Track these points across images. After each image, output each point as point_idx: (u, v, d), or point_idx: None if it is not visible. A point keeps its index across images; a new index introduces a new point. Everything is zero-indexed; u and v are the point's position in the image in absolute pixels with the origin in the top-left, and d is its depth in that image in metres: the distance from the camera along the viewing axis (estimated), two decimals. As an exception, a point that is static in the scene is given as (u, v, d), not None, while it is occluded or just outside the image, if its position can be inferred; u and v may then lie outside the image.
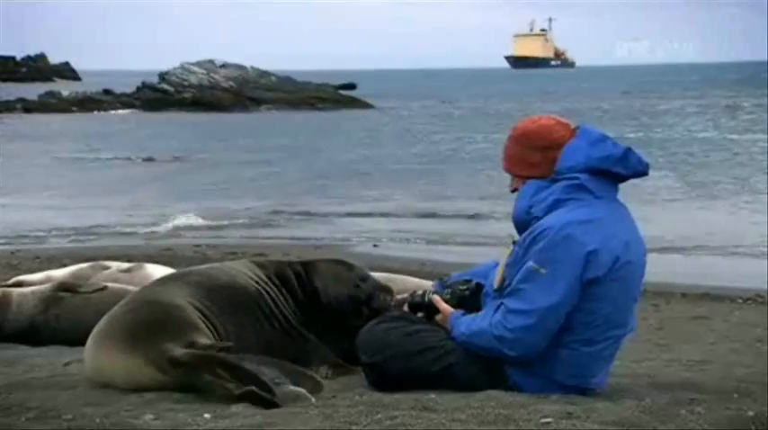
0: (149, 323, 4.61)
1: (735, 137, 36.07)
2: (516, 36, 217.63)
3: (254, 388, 4.29)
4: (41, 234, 15.99)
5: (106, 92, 59.82)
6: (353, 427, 3.93)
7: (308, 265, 5.33)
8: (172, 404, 4.28)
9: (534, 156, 4.59)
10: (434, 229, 16.76)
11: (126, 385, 4.55)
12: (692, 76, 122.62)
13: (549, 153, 4.56)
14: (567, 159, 4.52)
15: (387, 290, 5.33)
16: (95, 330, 4.82)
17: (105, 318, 4.85)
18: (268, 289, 5.10)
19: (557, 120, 4.68)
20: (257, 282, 5.10)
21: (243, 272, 5.17)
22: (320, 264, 5.35)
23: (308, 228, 17.19)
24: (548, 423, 3.98)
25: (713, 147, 32.38)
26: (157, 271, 7.16)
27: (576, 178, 4.48)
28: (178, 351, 4.45)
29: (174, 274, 5.43)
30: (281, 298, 5.12)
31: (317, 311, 5.17)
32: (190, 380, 4.44)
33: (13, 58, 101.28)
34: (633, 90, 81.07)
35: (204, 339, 4.59)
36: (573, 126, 4.65)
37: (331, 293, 5.20)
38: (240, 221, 17.98)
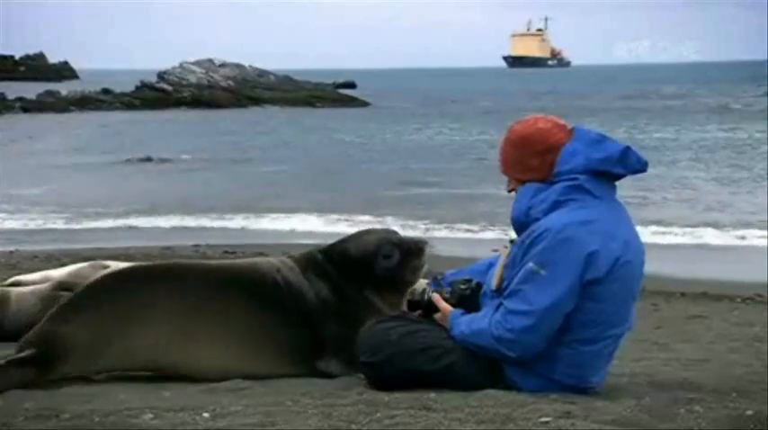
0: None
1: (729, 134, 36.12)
2: (513, 36, 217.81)
3: None
4: (39, 234, 15.99)
5: (105, 91, 59.80)
6: (353, 426, 3.93)
7: (337, 241, 5.34)
8: (171, 403, 4.28)
9: (532, 160, 4.56)
10: (433, 226, 16.79)
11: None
12: (690, 75, 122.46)
13: (547, 156, 4.54)
14: (567, 162, 4.50)
15: (420, 238, 5.34)
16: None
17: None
18: (286, 274, 5.13)
19: (553, 122, 4.63)
20: (278, 269, 5.15)
21: (265, 260, 5.37)
22: (351, 234, 5.37)
23: (306, 226, 17.20)
24: (546, 422, 3.98)
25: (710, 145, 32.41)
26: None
27: (576, 179, 4.47)
28: None
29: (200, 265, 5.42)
30: (304, 283, 5.12)
31: (352, 292, 5.13)
32: None
33: (11, 56, 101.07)
34: (627, 90, 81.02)
35: None
36: (569, 127, 4.63)
37: (361, 244, 5.18)
38: (240, 218, 18.03)
